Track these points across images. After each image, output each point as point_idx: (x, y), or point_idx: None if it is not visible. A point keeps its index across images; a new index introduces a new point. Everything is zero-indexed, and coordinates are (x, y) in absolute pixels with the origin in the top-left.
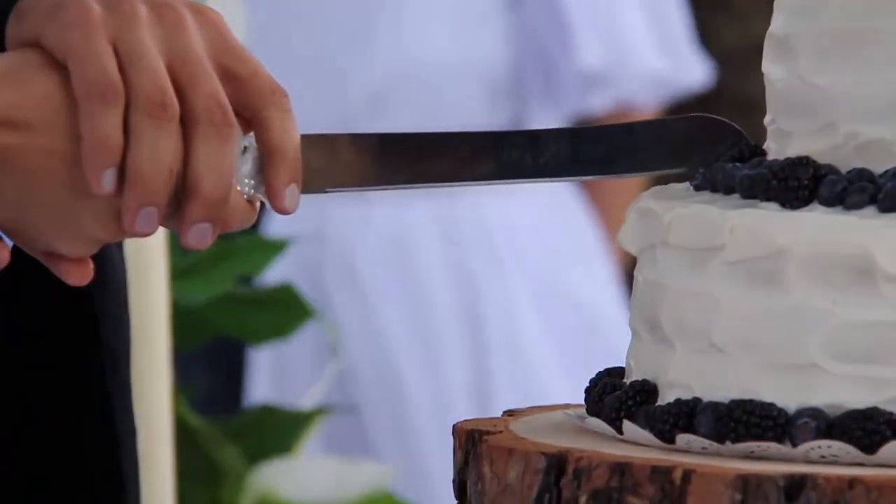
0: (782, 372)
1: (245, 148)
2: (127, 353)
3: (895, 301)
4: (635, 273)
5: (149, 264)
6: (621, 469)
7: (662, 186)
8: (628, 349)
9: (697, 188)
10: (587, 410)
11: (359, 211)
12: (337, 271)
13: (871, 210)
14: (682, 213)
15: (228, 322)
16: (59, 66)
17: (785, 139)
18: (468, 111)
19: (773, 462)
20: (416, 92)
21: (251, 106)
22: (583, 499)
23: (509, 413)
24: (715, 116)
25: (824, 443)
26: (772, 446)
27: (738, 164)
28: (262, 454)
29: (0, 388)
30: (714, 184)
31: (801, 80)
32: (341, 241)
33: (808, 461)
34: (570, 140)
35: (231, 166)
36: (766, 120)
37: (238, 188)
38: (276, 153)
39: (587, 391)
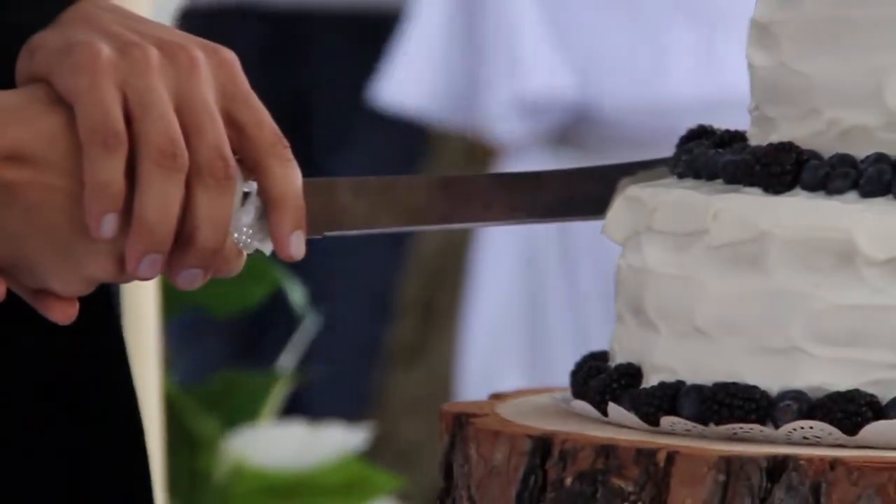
0: (765, 355)
1: (246, 194)
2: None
3: (876, 285)
4: (618, 260)
5: None
6: (606, 451)
7: (645, 174)
8: (612, 334)
9: (681, 176)
10: (572, 393)
11: None
12: None
13: (852, 195)
14: (666, 199)
15: (194, 292)
16: (68, 105)
17: (768, 125)
18: None
19: (755, 444)
20: None
21: (253, 155)
22: (568, 480)
23: (496, 396)
24: None
25: (806, 424)
26: (754, 428)
27: (720, 151)
28: (232, 421)
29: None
30: (697, 170)
31: (784, 67)
32: None
33: (790, 443)
34: (569, 180)
35: (228, 218)
36: (749, 106)
37: (235, 237)
38: (279, 201)
39: (572, 374)
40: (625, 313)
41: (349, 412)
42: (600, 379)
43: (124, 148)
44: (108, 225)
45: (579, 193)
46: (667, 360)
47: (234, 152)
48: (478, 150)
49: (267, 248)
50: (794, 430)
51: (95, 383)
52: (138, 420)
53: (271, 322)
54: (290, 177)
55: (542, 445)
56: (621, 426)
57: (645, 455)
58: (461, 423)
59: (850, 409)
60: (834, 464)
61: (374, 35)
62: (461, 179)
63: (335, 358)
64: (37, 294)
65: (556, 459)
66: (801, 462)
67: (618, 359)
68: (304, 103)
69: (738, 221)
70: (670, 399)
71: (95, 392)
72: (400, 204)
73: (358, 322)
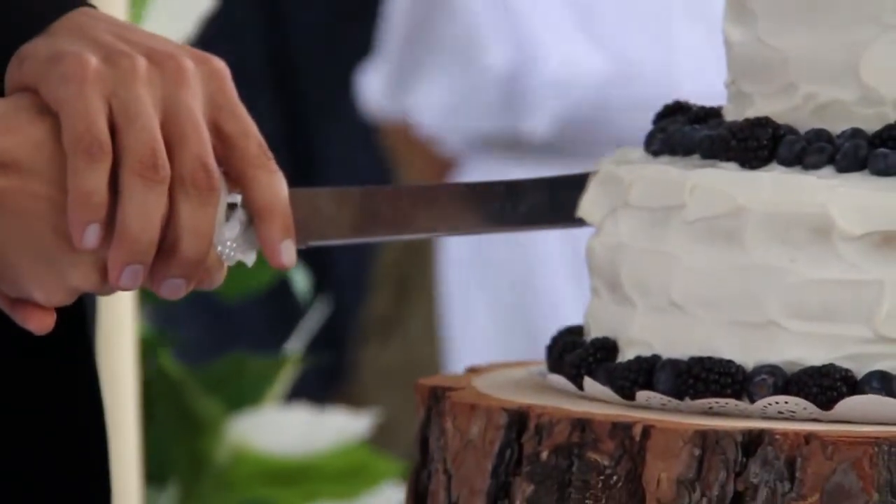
0: (741, 329)
1: (231, 206)
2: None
3: (852, 259)
4: (590, 240)
5: None
6: (582, 425)
7: (621, 152)
8: (586, 308)
9: (656, 153)
10: (548, 367)
11: None
12: None
13: (828, 170)
14: (642, 174)
15: None
16: (54, 114)
17: (744, 101)
18: None
19: (731, 418)
20: None
21: (238, 166)
22: (544, 454)
23: (472, 370)
24: None
25: (781, 399)
26: (730, 402)
27: (696, 126)
28: (236, 404)
29: None
30: (673, 147)
31: (761, 42)
32: None
33: (765, 417)
34: (549, 189)
35: (211, 228)
36: (726, 82)
37: (218, 249)
38: (266, 211)
39: (548, 349)
40: (600, 288)
41: (322, 389)
42: (576, 353)
43: (108, 158)
44: (91, 235)
45: (560, 201)
46: (643, 335)
47: (220, 163)
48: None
49: (249, 260)
50: (770, 404)
51: (61, 385)
52: (102, 427)
53: (278, 306)
54: (276, 187)
55: (518, 419)
56: (597, 400)
57: (620, 429)
58: (437, 397)
59: (825, 384)
60: (809, 438)
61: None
62: (443, 189)
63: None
64: (15, 303)
65: (531, 433)
66: (777, 436)
67: (593, 333)
68: (291, 72)
69: (715, 196)
70: (646, 373)
71: (59, 396)
72: (383, 214)
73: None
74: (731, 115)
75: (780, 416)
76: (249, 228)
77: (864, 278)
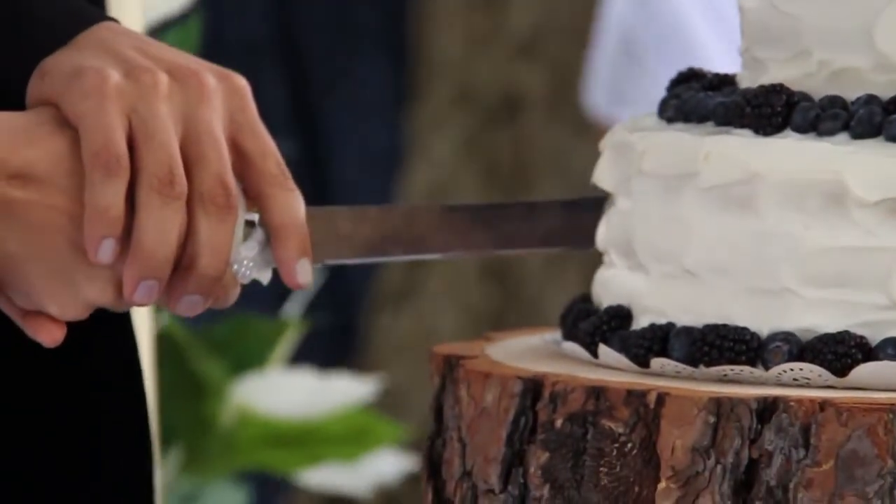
0: (755, 296)
1: (249, 223)
2: None
3: (866, 226)
4: (606, 207)
5: None
6: (597, 393)
7: (633, 119)
8: (596, 277)
9: (670, 120)
10: (563, 335)
11: None
12: None
13: (843, 136)
14: (656, 141)
15: None
16: (75, 129)
17: (758, 67)
18: None
19: (745, 385)
20: None
21: (256, 184)
22: (558, 422)
23: (486, 337)
24: None
25: (796, 366)
26: (744, 370)
27: (710, 93)
28: (240, 367)
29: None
30: (687, 114)
31: (775, 9)
32: None
33: (780, 384)
34: (564, 210)
35: (229, 246)
36: (740, 49)
37: (234, 268)
38: (283, 230)
39: (562, 316)
40: (614, 255)
41: (339, 357)
42: (590, 321)
43: (125, 173)
44: (106, 249)
45: (575, 223)
46: (657, 302)
47: (238, 180)
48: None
49: (265, 278)
50: (784, 371)
51: (101, 356)
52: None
53: None
54: (293, 206)
55: (533, 387)
56: (611, 368)
57: (635, 396)
58: (451, 365)
59: (839, 351)
60: (823, 405)
61: None
62: (460, 209)
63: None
64: (27, 314)
65: (546, 401)
66: (791, 403)
67: (607, 301)
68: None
69: (729, 163)
70: (660, 341)
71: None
72: (399, 233)
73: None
74: (745, 82)
75: (795, 383)
76: (266, 247)
77: (878, 245)
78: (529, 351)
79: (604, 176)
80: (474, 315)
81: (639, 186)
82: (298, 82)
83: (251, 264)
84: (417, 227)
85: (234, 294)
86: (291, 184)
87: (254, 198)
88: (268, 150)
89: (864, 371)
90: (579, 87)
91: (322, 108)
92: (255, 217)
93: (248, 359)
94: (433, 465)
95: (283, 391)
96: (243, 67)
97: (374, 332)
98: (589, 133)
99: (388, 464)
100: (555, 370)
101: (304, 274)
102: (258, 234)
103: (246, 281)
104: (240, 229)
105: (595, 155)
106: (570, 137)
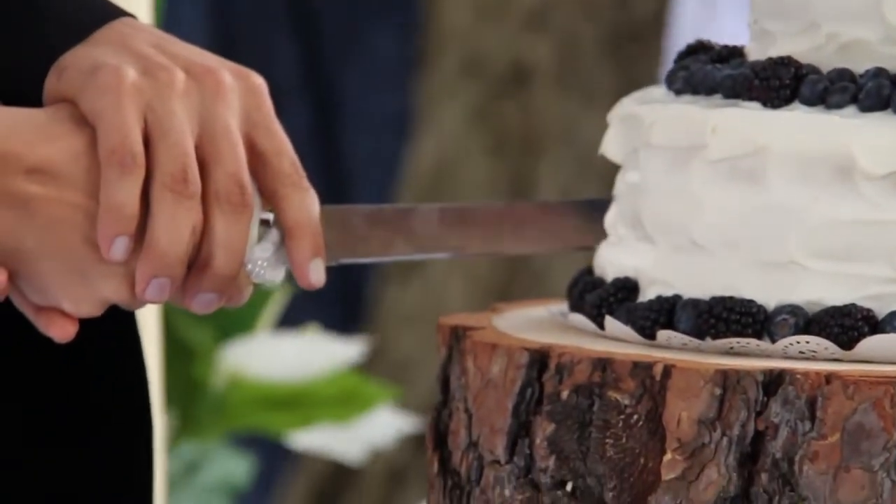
0: (762, 269)
1: (264, 222)
2: None
3: (874, 199)
4: (617, 179)
5: None
6: (603, 364)
7: (642, 91)
8: (599, 250)
9: (678, 92)
10: (569, 307)
11: None
12: None
13: (851, 109)
14: (664, 114)
15: None
16: (92, 126)
17: (767, 40)
18: None
19: (752, 358)
20: None
21: (271, 183)
22: (565, 394)
23: (493, 309)
24: None
25: (803, 338)
26: (751, 342)
27: (718, 66)
28: (228, 332)
29: None
30: (695, 86)
31: None
32: None
33: (786, 357)
34: (580, 211)
35: (244, 244)
36: (749, 21)
37: (248, 268)
38: (296, 229)
39: (569, 288)
40: (621, 228)
41: (345, 325)
42: (597, 293)
43: (141, 171)
44: (120, 247)
45: (590, 223)
46: (664, 275)
47: (253, 179)
48: None
49: (277, 277)
50: (791, 344)
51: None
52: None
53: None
54: (307, 205)
55: (539, 358)
56: (618, 340)
57: (641, 368)
58: (458, 336)
59: (846, 324)
60: (830, 378)
61: None
62: (475, 209)
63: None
64: (40, 310)
65: (552, 372)
66: (798, 376)
67: (611, 274)
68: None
69: (737, 136)
70: (667, 313)
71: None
72: (415, 232)
73: None
74: (753, 55)
75: (801, 356)
76: (281, 247)
77: (886, 218)
78: (536, 322)
79: (611, 147)
80: (481, 286)
81: (647, 159)
82: (310, 50)
83: (265, 264)
84: (434, 226)
85: (248, 293)
86: (306, 183)
87: (268, 197)
88: (283, 149)
89: (871, 344)
90: (588, 57)
91: (333, 75)
92: (270, 216)
93: (235, 324)
94: (439, 436)
95: (274, 354)
96: (255, 35)
97: (382, 302)
98: (597, 104)
99: (383, 426)
100: (561, 342)
101: (317, 274)
102: (273, 234)
103: (259, 280)
104: (255, 228)
105: (603, 126)
106: (579, 108)
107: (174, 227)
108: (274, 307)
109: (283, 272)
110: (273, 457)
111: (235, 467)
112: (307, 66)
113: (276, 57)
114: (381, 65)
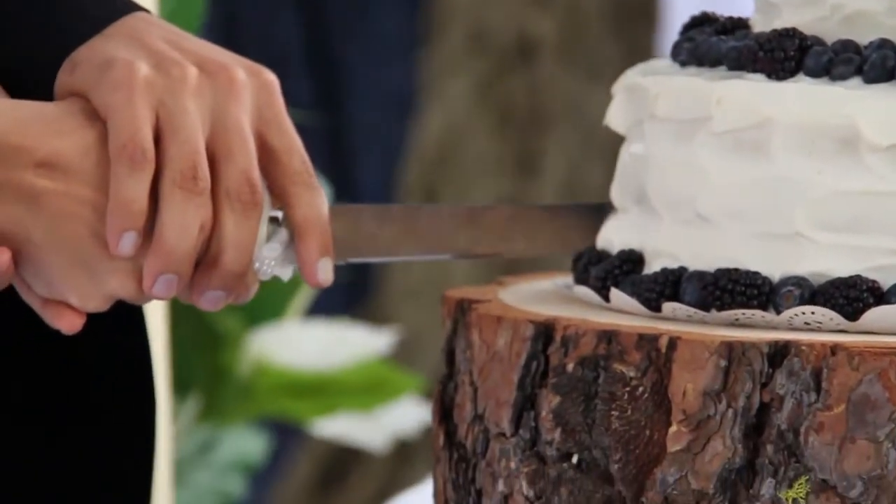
0: (767, 241)
1: (273, 220)
2: None
3: (879, 171)
4: (621, 150)
5: None
6: (608, 337)
7: (646, 63)
8: (605, 223)
9: (683, 64)
10: (574, 279)
11: None
12: None
13: (856, 81)
14: (669, 86)
15: None
16: (104, 121)
17: (771, 11)
18: None
19: (757, 329)
20: None
21: (280, 181)
22: (570, 366)
23: (498, 282)
24: None
25: (808, 310)
26: (756, 314)
27: (723, 38)
28: (256, 319)
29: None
30: (700, 58)
31: None
32: None
33: (791, 328)
34: (591, 213)
35: (253, 242)
36: None
37: (256, 266)
38: (304, 229)
39: (574, 260)
40: (626, 201)
41: (351, 300)
42: (602, 265)
43: (150, 167)
44: (128, 242)
45: (597, 225)
46: (669, 247)
47: (263, 176)
48: None
49: (285, 275)
50: (796, 315)
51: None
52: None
53: None
54: (316, 204)
55: (545, 331)
56: (623, 312)
57: (647, 340)
58: (463, 309)
59: (851, 295)
60: (835, 349)
61: None
62: (485, 210)
63: None
64: (47, 303)
65: (558, 345)
66: (803, 347)
67: (616, 247)
68: None
69: (742, 107)
70: (672, 285)
71: (109, 354)
72: (423, 232)
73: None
74: (758, 26)
75: (807, 328)
76: (289, 246)
77: (891, 189)
78: (541, 295)
79: (615, 119)
80: (487, 259)
81: (651, 130)
82: (315, 25)
83: (273, 262)
84: (442, 226)
85: (254, 290)
86: (316, 181)
87: (278, 195)
88: (294, 147)
89: (876, 315)
90: (593, 31)
91: (338, 50)
92: (280, 214)
93: (264, 311)
94: (445, 409)
95: (300, 342)
96: (261, 12)
97: (388, 278)
98: (602, 78)
99: (406, 415)
100: (566, 314)
101: (325, 273)
102: (282, 234)
103: (266, 278)
104: (264, 226)
105: (608, 100)
106: (584, 83)
107: (183, 224)
108: (304, 295)
109: (291, 270)
110: (287, 438)
111: (251, 446)
112: (313, 41)
113: (283, 34)
114: (386, 40)
